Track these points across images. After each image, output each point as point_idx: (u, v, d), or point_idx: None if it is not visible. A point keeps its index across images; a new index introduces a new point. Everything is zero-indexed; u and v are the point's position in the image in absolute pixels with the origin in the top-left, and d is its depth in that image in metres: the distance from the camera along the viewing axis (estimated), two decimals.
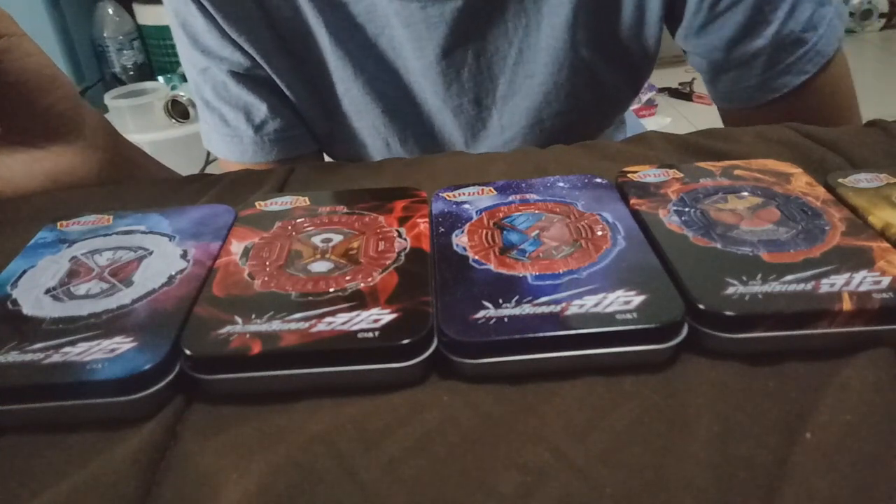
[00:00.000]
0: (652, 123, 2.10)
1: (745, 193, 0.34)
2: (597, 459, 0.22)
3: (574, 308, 0.26)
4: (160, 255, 0.32)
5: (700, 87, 2.28)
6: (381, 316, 0.26)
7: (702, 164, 0.38)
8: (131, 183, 0.46)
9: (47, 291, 0.30)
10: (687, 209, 0.33)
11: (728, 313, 0.26)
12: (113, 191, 0.45)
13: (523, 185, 0.37)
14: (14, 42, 0.42)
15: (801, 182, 0.35)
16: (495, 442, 0.23)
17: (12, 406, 0.25)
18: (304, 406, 0.25)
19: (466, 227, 0.33)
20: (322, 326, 0.26)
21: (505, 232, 0.32)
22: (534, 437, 0.23)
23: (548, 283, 0.28)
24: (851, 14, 2.65)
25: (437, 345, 0.26)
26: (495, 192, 0.36)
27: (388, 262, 0.30)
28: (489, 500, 0.21)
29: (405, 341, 0.25)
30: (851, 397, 0.23)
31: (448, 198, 0.36)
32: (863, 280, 0.27)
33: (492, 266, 0.29)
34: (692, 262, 0.29)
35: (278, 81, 0.58)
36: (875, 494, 0.20)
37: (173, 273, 0.31)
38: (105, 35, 1.79)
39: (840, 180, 0.35)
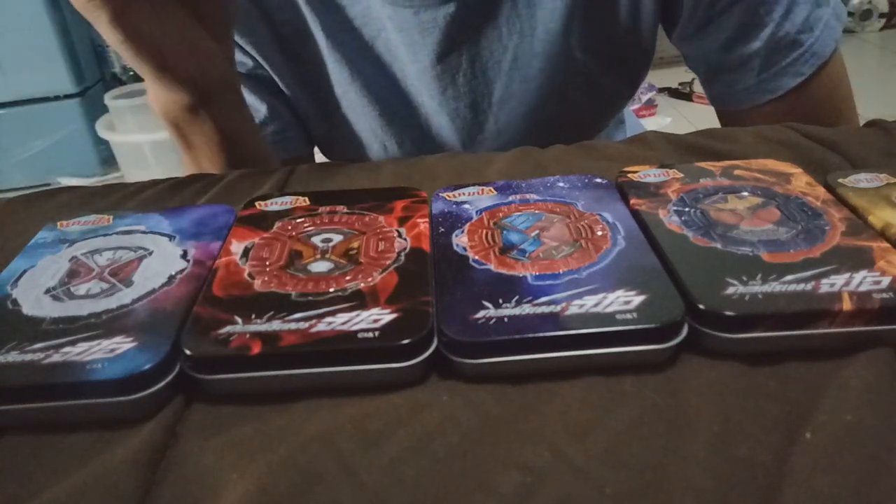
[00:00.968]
0: (652, 123, 2.10)
1: (745, 193, 0.34)
2: (597, 459, 0.22)
3: (574, 308, 0.26)
4: (160, 255, 0.32)
5: (700, 87, 2.28)
6: (381, 316, 0.26)
7: (702, 164, 0.38)
8: (131, 183, 0.46)
9: (47, 291, 0.30)
10: (687, 209, 0.33)
11: (728, 313, 0.26)
12: (113, 190, 0.45)
13: (523, 185, 0.37)
14: None
15: (801, 182, 0.35)
16: (495, 442, 0.23)
17: (12, 406, 0.25)
18: (304, 406, 0.25)
19: (466, 227, 0.33)
20: (322, 326, 0.26)
21: (505, 232, 0.32)
22: (534, 437, 0.23)
23: (548, 283, 0.28)
24: (851, 14, 2.65)
25: (437, 345, 0.26)
26: (495, 192, 0.36)
27: (388, 262, 0.30)
28: (489, 500, 0.21)
29: (405, 341, 0.25)
30: (851, 397, 0.23)
31: (448, 198, 0.36)
32: (863, 280, 0.27)
33: (492, 266, 0.29)
34: (692, 262, 0.29)
35: (279, 82, 0.58)
36: (875, 494, 0.20)
37: (173, 273, 0.31)
38: None
39: (840, 180, 0.35)
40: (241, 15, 0.54)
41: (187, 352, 0.25)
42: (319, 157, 0.68)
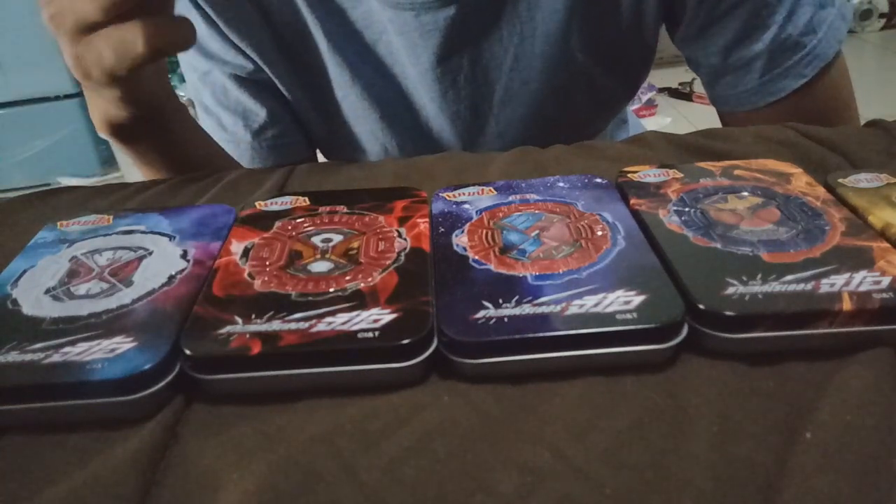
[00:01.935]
0: (652, 123, 2.10)
1: (745, 193, 0.34)
2: (597, 459, 0.22)
3: (574, 308, 0.26)
4: (160, 255, 0.32)
5: (700, 87, 2.28)
6: (381, 316, 0.26)
7: (702, 164, 0.38)
8: (131, 183, 0.46)
9: (47, 291, 0.30)
10: (687, 209, 0.33)
11: (728, 313, 0.26)
12: (113, 190, 0.45)
13: (523, 185, 0.37)
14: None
15: (801, 182, 0.35)
16: (495, 442, 0.23)
17: (12, 406, 0.25)
18: (304, 406, 0.25)
19: (466, 227, 0.33)
20: (322, 326, 0.26)
21: (505, 232, 0.32)
22: (534, 437, 0.23)
23: (548, 283, 0.28)
24: (851, 14, 2.65)
25: (437, 345, 0.26)
26: (495, 192, 0.36)
27: (388, 262, 0.30)
28: (489, 500, 0.21)
29: (405, 341, 0.25)
30: (851, 397, 0.23)
31: (448, 198, 0.36)
32: (863, 280, 0.27)
33: (492, 266, 0.29)
34: (692, 262, 0.29)
35: (279, 85, 0.58)
36: (875, 494, 0.20)
37: (173, 273, 0.31)
38: None
39: (840, 180, 0.35)
40: (241, 17, 0.54)
41: (187, 352, 0.25)
42: (320, 158, 0.68)
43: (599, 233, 0.32)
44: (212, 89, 0.59)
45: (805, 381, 0.25)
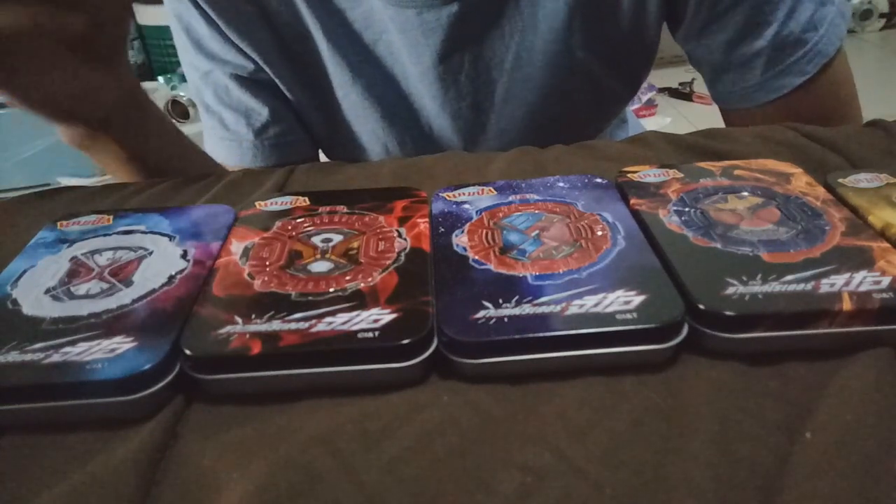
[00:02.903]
0: (652, 123, 2.10)
1: (745, 193, 0.34)
2: (597, 459, 0.22)
3: (574, 308, 0.26)
4: (160, 255, 0.32)
5: (700, 87, 2.28)
6: (381, 316, 0.26)
7: (702, 164, 0.38)
8: (131, 183, 0.46)
9: (47, 291, 0.30)
10: (687, 209, 0.33)
11: (728, 313, 0.26)
12: (113, 190, 0.45)
13: (523, 185, 0.37)
14: None
15: (801, 182, 0.35)
16: (495, 442, 0.23)
17: (12, 406, 0.25)
18: (304, 406, 0.25)
19: (466, 227, 0.33)
20: (322, 326, 0.26)
21: (505, 232, 0.32)
22: (534, 437, 0.23)
23: (548, 283, 0.28)
24: (851, 14, 2.65)
25: (437, 345, 0.26)
26: (495, 192, 0.36)
27: (388, 262, 0.30)
28: (489, 500, 0.21)
29: (405, 341, 0.25)
30: (851, 397, 0.23)
31: (448, 198, 0.36)
32: (863, 280, 0.27)
33: (492, 266, 0.29)
34: (692, 262, 0.29)
35: (280, 85, 0.58)
36: (875, 494, 0.20)
37: (173, 273, 0.31)
38: None
39: (840, 180, 0.35)
40: (241, 18, 0.54)
41: (187, 352, 0.25)
42: (322, 158, 0.68)
43: (599, 233, 0.32)
44: (213, 89, 0.59)
45: (805, 381, 0.25)
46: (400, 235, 0.32)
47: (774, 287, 0.27)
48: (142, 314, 0.28)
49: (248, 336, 0.26)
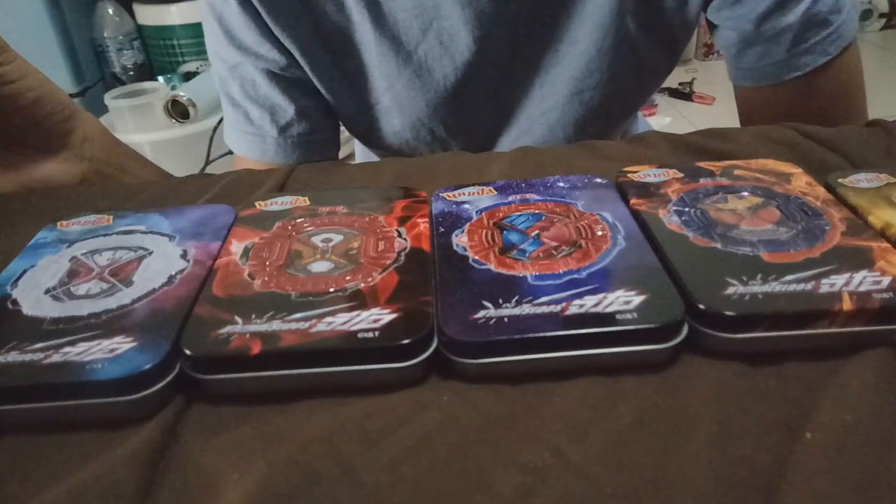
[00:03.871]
0: (652, 123, 2.09)
1: (745, 193, 0.34)
2: (597, 459, 0.22)
3: (574, 308, 0.26)
4: (160, 255, 0.32)
5: (700, 87, 2.28)
6: (381, 316, 0.26)
7: (702, 164, 0.38)
8: (131, 183, 0.46)
9: (47, 291, 0.30)
10: (687, 209, 0.33)
11: (728, 313, 0.26)
12: (113, 191, 0.45)
13: (523, 185, 0.37)
14: (8, 68, 0.44)
15: (801, 182, 0.35)
16: (495, 442, 0.23)
17: (12, 406, 0.25)
18: (304, 406, 0.25)
19: (466, 226, 0.33)
20: (322, 326, 0.26)
21: (505, 232, 0.32)
22: (534, 437, 0.23)
23: (548, 283, 0.28)
24: None
25: (438, 345, 0.26)
26: (495, 192, 0.36)
27: (388, 262, 0.30)
28: (489, 500, 0.21)
29: (405, 341, 0.25)
30: (851, 397, 0.23)
31: (448, 198, 0.36)
32: (863, 280, 0.27)
33: (492, 266, 0.29)
34: (692, 262, 0.29)
35: (315, 80, 0.58)
36: (875, 494, 0.20)
37: (173, 273, 0.31)
38: (105, 35, 1.79)
39: (840, 180, 0.35)
40: (283, 7, 0.54)
41: (187, 352, 0.25)
42: (359, 147, 0.68)
43: (599, 233, 0.32)
44: (241, 82, 0.59)
45: (805, 381, 0.25)
46: (400, 235, 0.32)
47: (774, 287, 0.27)
48: (142, 314, 0.28)
49: (247, 336, 0.26)
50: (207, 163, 1.38)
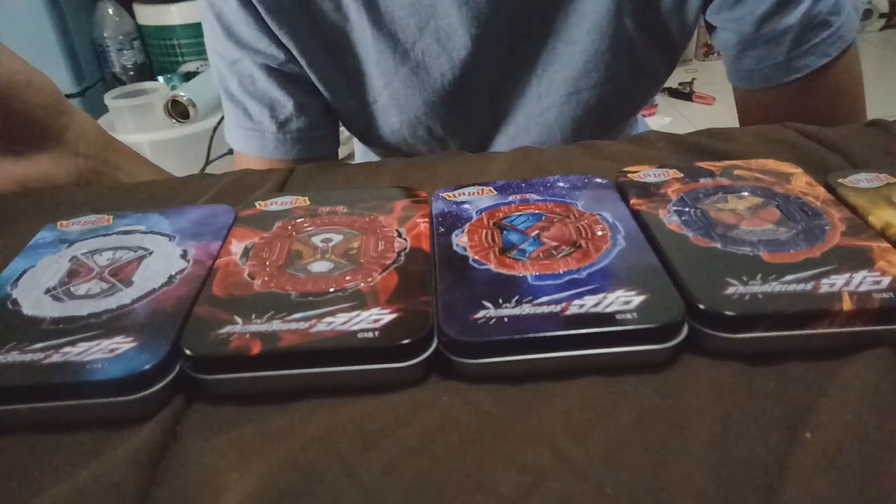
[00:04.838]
0: (652, 123, 2.09)
1: (745, 193, 0.34)
2: (597, 459, 0.22)
3: (574, 308, 0.26)
4: (160, 255, 0.32)
5: (700, 87, 2.28)
6: (381, 316, 0.26)
7: (702, 164, 0.38)
8: (131, 183, 0.46)
9: (47, 291, 0.30)
10: (687, 209, 0.33)
11: (728, 313, 0.26)
12: (113, 191, 0.45)
13: (523, 185, 0.37)
14: None
15: (801, 182, 0.35)
16: (495, 442, 0.23)
17: (12, 406, 0.25)
18: (304, 406, 0.25)
19: (466, 226, 0.33)
20: (322, 326, 0.26)
21: (505, 232, 0.32)
22: (534, 437, 0.23)
23: (548, 283, 0.28)
24: None
25: (437, 345, 0.26)
26: (495, 192, 0.36)
27: (388, 262, 0.30)
28: (489, 500, 0.21)
29: (405, 341, 0.25)
30: (851, 397, 0.23)
31: (448, 198, 0.36)
32: (863, 280, 0.27)
33: (492, 266, 0.29)
34: (692, 262, 0.29)
35: (313, 77, 0.58)
36: (875, 494, 0.20)
37: (173, 273, 0.31)
38: (105, 35, 1.79)
39: (840, 180, 0.35)
40: (281, 6, 0.54)
41: (187, 352, 0.25)
42: (357, 144, 0.68)
43: (599, 233, 0.32)
44: (239, 78, 0.59)
45: (805, 381, 0.25)
46: (400, 235, 0.32)
47: (774, 287, 0.27)
48: (142, 314, 0.28)
49: (247, 336, 0.26)
50: (207, 163, 1.38)
